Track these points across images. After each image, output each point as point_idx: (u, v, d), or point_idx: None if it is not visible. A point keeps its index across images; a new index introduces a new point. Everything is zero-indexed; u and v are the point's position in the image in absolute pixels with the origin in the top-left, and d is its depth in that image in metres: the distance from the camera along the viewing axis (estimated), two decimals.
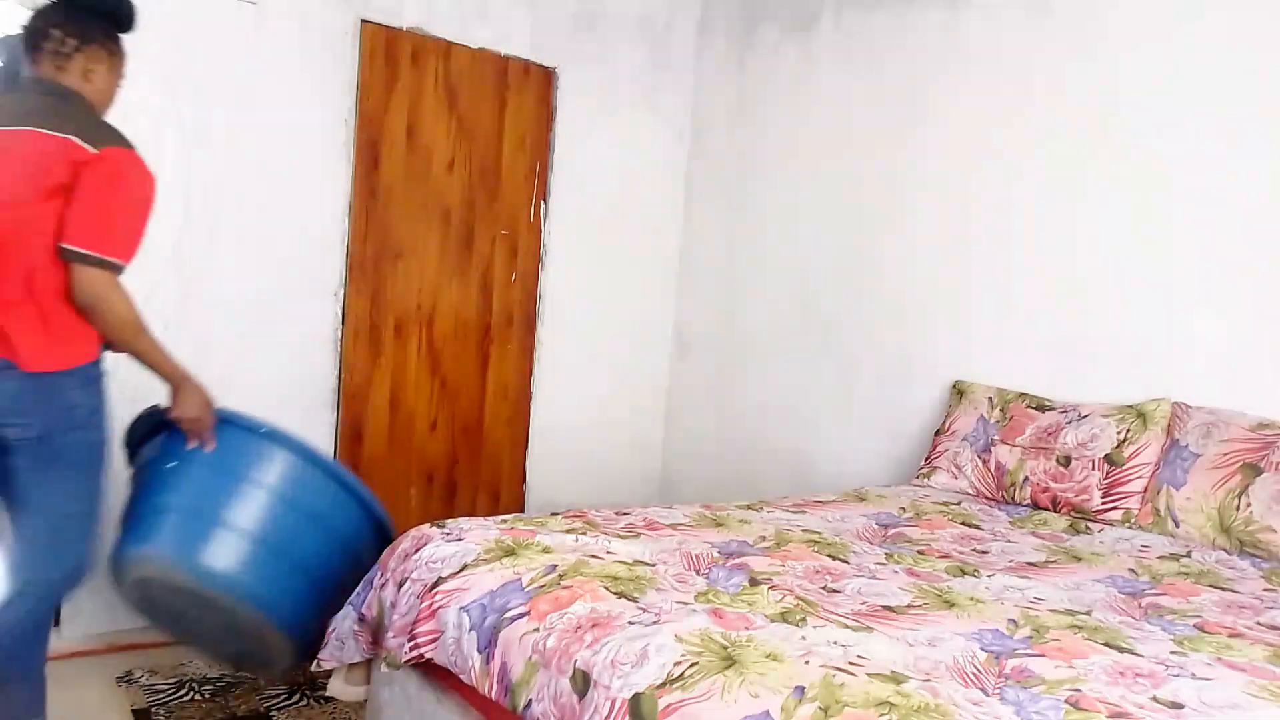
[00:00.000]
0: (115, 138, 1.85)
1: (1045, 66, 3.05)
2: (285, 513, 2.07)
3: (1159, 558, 2.23)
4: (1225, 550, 2.32)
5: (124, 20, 1.94)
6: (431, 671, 1.88)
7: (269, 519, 2.05)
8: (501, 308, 3.90)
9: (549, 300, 4.02)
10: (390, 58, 3.51)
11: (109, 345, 1.95)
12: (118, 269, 1.84)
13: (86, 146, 1.79)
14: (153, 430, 2.15)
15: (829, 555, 2.02)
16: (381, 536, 2.20)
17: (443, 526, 2.01)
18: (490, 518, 2.12)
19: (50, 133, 1.78)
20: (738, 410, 4.04)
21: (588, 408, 4.21)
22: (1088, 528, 2.50)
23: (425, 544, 1.93)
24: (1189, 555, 2.26)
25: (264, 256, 3.26)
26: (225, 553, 2.01)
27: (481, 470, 3.93)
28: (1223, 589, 2.00)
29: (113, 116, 1.99)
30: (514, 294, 3.94)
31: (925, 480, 2.99)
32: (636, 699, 1.34)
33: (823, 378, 3.70)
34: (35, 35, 1.87)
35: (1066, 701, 1.30)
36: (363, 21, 3.41)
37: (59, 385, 1.84)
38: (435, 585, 1.80)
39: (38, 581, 1.87)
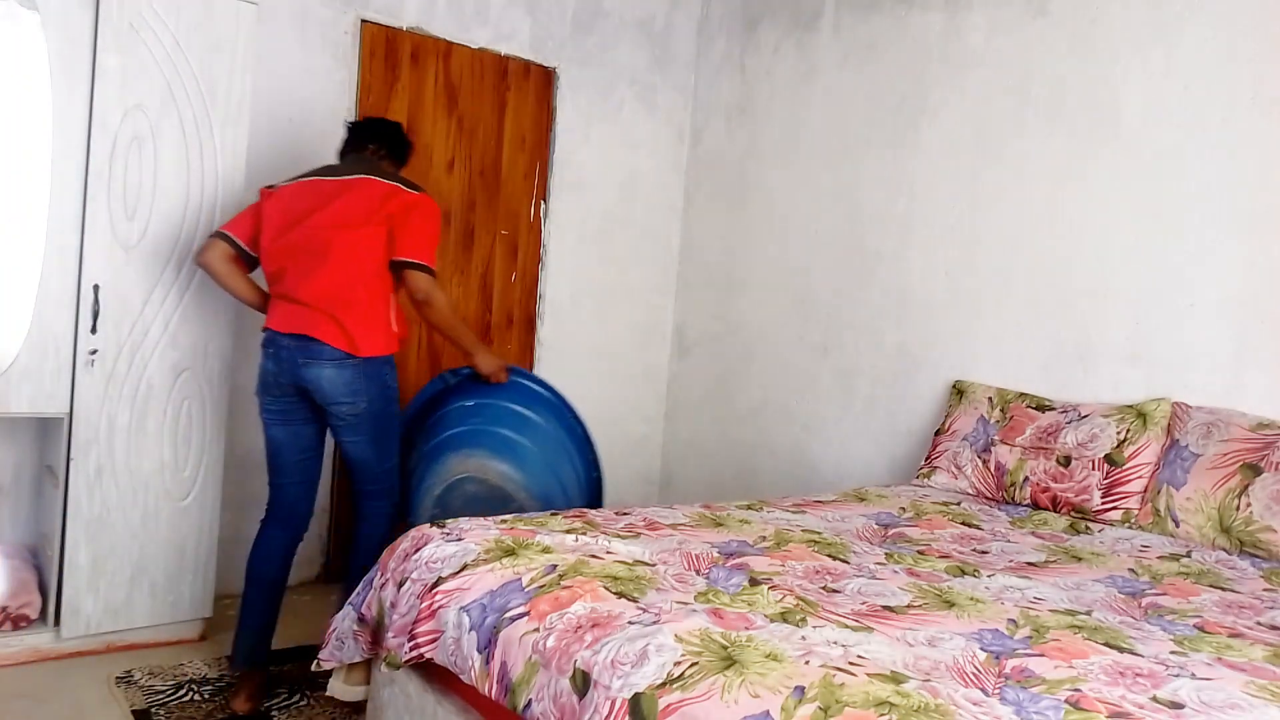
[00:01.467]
0: (422, 189, 2.56)
1: (1045, 66, 3.05)
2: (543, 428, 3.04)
3: (1159, 558, 2.22)
4: (1225, 550, 2.32)
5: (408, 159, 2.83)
6: (432, 671, 1.88)
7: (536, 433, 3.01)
8: (501, 307, 3.90)
9: (549, 300, 4.02)
10: (390, 57, 3.51)
11: (433, 328, 2.71)
12: (435, 274, 2.54)
13: (410, 191, 2.50)
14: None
15: (829, 555, 2.02)
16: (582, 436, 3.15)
17: (443, 526, 2.01)
18: (490, 518, 2.12)
19: (383, 180, 2.49)
20: (738, 410, 4.04)
21: (588, 408, 4.18)
22: (1088, 528, 2.50)
23: (425, 544, 1.93)
24: (1189, 555, 2.26)
25: None
26: (514, 451, 2.95)
27: None
28: (1223, 589, 2.00)
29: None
30: (514, 294, 3.94)
31: (925, 480, 2.99)
32: (636, 699, 1.34)
33: (823, 378, 3.70)
34: (365, 142, 2.68)
35: (1066, 701, 1.29)
36: (363, 21, 3.42)
37: (380, 369, 2.47)
38: (435, 585, 1.80)
39: (388, 510, 2.62)
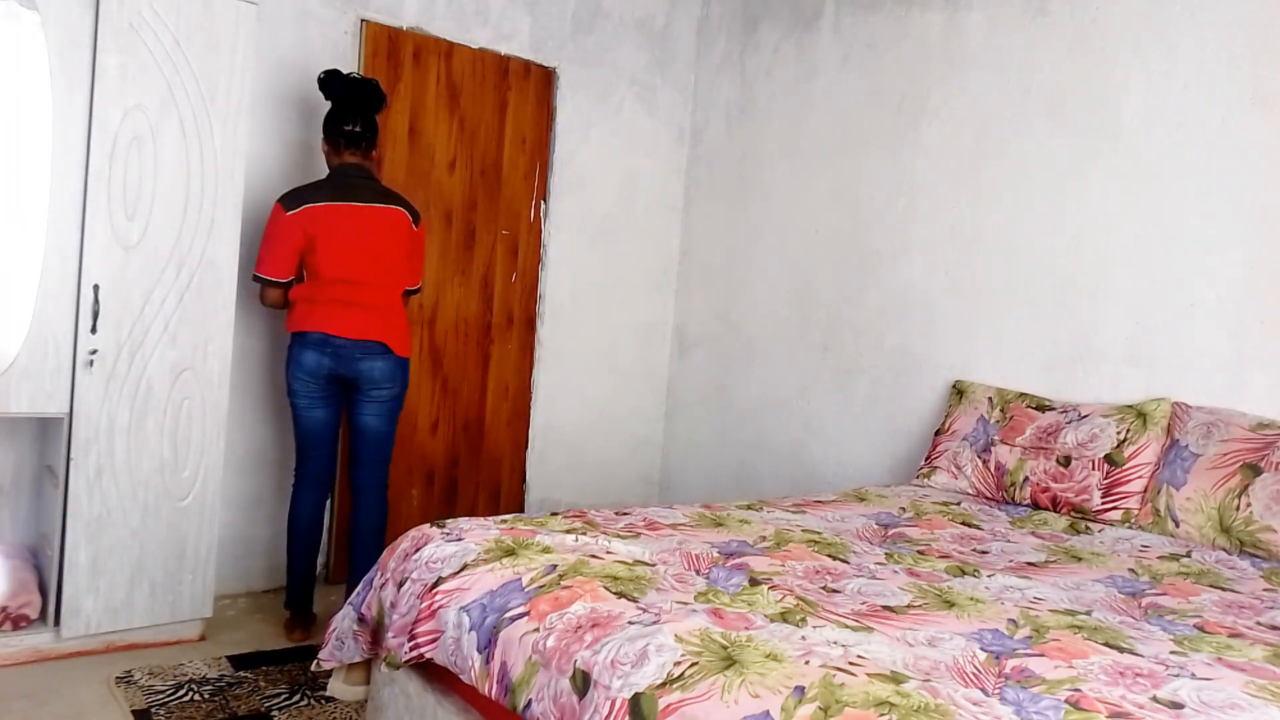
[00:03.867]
0: (418, 213, 3.09)
1: (1045, 66, 3.05)
2: None
3: (1159, 558, 2.22)
4: (1225, 550, 2.32)
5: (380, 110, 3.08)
6: (432, 671, 1.88)
7: None
8: (502, 307, 3.90)
9: (549, 300, 4.02)
10: (391, 58, 3.51)
11: None
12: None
13: (414, 223, 3.03)
14: None
15: (829, 555, 2.02)
16: None
17: (443, 526, 2.01)
18: (490, 517, 2.12)
19: (401, 210, 2.99)
20: (738, 410, 4.04)
21: (588, 408, 4.21)
22: (1088, 528, 2.50)
23: (425, 544, 1.93)
24: (1189, 555, 2.26)
25: None
26: None
27: (482, 470, 3.93)
28: (1223, 589, 2.00)
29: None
30: (514, 294, 3.94)
31: (925, 480, 2.99)
32: (636, 699, 1.34)
33: (823, 377, 3.70)
34: (357, 137, 2.98)
35: (1066, 701, 1.29)
36: (363, 21, 3.42)
37: (405, 365, 3.04)
38: (435, 585, 1.80)
39: (384, 481, 3.09)
